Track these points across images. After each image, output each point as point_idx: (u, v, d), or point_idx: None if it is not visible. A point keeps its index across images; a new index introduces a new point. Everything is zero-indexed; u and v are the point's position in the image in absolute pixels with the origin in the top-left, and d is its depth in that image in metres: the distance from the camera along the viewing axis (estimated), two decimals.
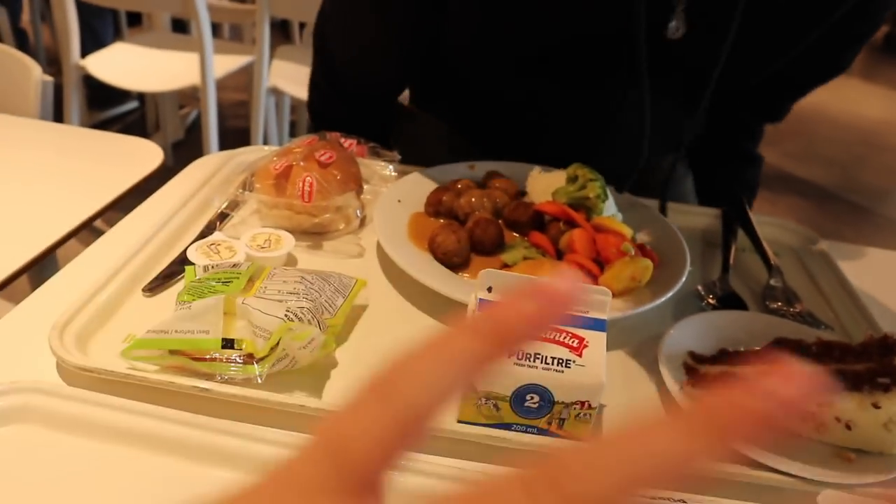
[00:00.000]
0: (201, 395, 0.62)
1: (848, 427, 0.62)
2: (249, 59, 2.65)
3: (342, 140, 0.98)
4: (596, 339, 0.61)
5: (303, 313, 0.65)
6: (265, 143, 2.85)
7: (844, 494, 0.50)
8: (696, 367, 0.71)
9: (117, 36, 3.48)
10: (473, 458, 0.61)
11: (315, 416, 0.62)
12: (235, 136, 3.11)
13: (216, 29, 3.38)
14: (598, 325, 0.62)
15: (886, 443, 0.62)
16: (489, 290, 0.63)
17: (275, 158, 0.88)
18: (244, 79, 3.00)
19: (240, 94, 3.60)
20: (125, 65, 2.58)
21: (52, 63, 3.76)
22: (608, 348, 0.75)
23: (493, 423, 0.63)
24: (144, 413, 0.60)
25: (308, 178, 0.84)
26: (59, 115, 2.69)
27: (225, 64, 2.60)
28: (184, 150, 3.18)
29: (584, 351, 0.61)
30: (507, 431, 0.62)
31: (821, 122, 4.41)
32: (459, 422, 0.63)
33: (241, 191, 0.88)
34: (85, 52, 2.56)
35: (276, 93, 2.65)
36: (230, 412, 0.62)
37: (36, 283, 1.03)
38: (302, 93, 2.78)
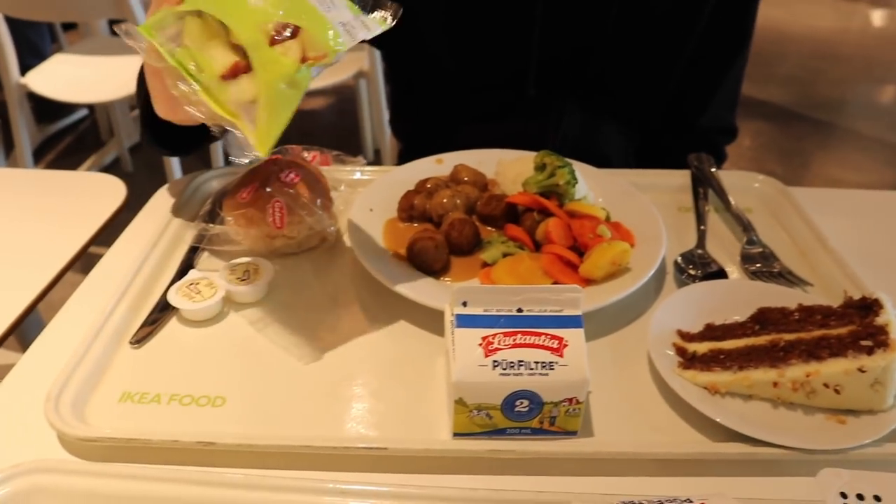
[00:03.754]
0: (206, 449, 0.63)
1: (837, 391, 0.64)
2: None
3: (304, 154, 0.96)
4: (574, 337, 0.62)
5: None
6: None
7: (843, 471, 0.52)
8: (685, 347, 0.72)
9: (54, 42, 3.38)
10: (475, 472, 0.63)
11: (321, 454, 0.63)
12: None
13: None
14: (574, 321, 0.63)
15: (875, 401, 0.64)
16: (464, 304, 0.63)
17: (239, 186, 0.87)
18: None
19: None
20: (68, 77, 2.51)
21: None
22: (598, 335, 0.77)
23: (488, 430, 0.64)
24: (155, 477, 0.60)
25: (277, 203, 0.83)
26: (7, 136, 2.63)
27: None
28: (142, 154, 3.12)
29: (565, 350, 0.62)
30: (503, 441, 0.64)
31: (775, 40, 4.42)
32: (455, 434, 0.64)
33: (209, 224, 0.87)
34: (24, 64, 2.48)
35: None
36: (237, 461, 0.63)
37: (23, 341, 1.02)
38: None
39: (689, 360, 0.71)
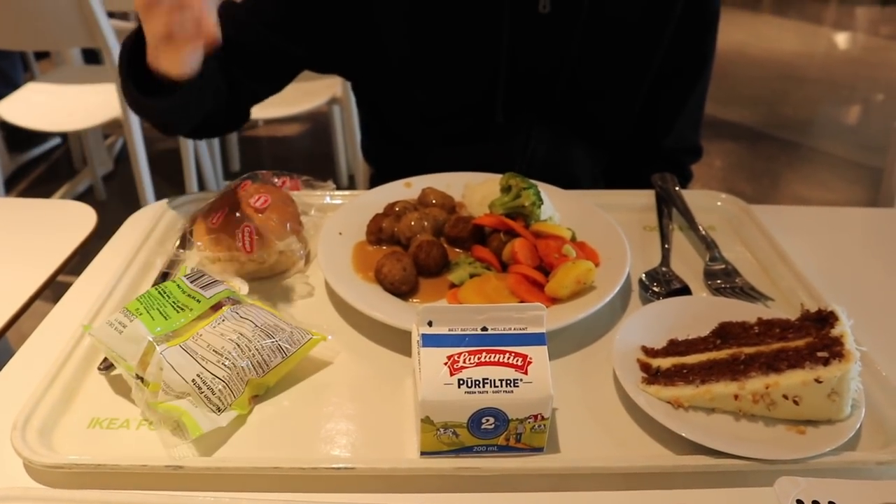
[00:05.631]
0: (176, 473, 0.63)
1: (796, 402, 0.66)
2: None
3: (274, 179, 0.97)
4: (538, 354, 0.64)
5: (213, 383, 0.67)
6: (197, 164, 2.80)
7: (799, 479, 0.53)
8: (648, 363, 0.73)
9: (27, 72, 3.37)
10: (443, 490, 0.64)
11: (290, 475, 0.63)
12: (166, 159, 3.05)
13: None
14: (538, 339, 0.64)
15: (833, 411, 0.66)
16: (430, 324, 0.64)
17: (209, 211, 0.87)
18: None
19: None
20: (40, 106, 2.50)
21: None
22: (564, 353, 0.79)
23: (455, 448, 0.65)
24: (123, 502, 0.60)
25: (247, 227, 0.84)
26: None
27: None
28: (115, 182, 3.11)
29: (529, 367, 0.63)
30: (469, 458, 0.65)
31: (741, 63, 4.52)
32: (423, 454, 0.65)
33: (180, 250, 0.87)
34: None
35: None
36: (207, 484, 0.63)
37: None
38: None
39: (653, 376, 0.72)
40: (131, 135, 2.44)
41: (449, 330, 0.64)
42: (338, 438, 0.68)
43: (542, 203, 0.89)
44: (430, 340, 0.64)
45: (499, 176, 0.95)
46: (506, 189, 0.91)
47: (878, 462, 0.63)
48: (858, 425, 0.66)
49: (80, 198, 3.09)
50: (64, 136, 3.34)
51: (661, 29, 1.09)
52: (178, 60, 0.81)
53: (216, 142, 3.04)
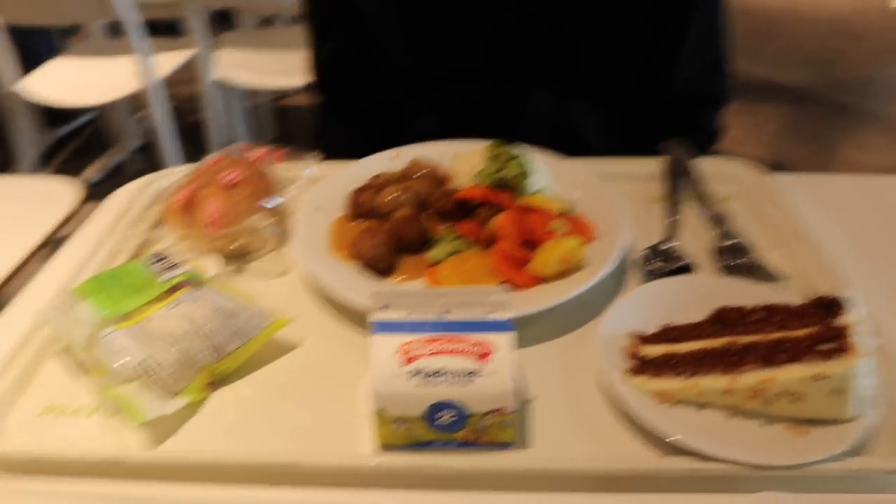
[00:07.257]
0: (118, 464, 0.60)
1: (794, 400, 0.58)
2: (193, 53, 2.56)
3: (253, 151, 0.92)
4: (502, 342, 0.58)
5: (161, 368, 0.63)
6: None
7: (782, 496, 0.46)
8: (637, 350, 0.66)
9: (51, 49, 3.38)
10: (404, 487, 0.59)
11: (233, 471, 0.59)
12: (197, 131, 3.04)
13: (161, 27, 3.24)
14: (502, 326, 0.58)
15: (836, 410, 0.58)
16: (386, 308, 0.59)
17: (179, 189, 0.83)
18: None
19: (197, 86, 3.52)
20: (64, 81, 2.50)
21: None
22: (548, 338, 0.72)
23: (412, 443, 0.59)
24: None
25: (213, 204, 0.79)
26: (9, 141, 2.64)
27: (169, 61, 2.52)
28: (147, 156, 3.11)
29: (491, 357, 0.57)
30: (425, 455, 0.59)
31: (793, 21, 4.29)
32: (382, 447, 0.60)
33: (154, 229, 0.83)
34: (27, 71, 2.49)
35: (225, 84, 2.58)
36: (153, 475, 0.60)
37: None
38: (252, 79, 2.70)
39: (641, 365, 0.65)
40: (156, 107, 2.44)
41: (406, 315, 0.59)
42: (294, 429, 0.64)
43: (530, 174, 0.82)
44: (382, 327, 0.58)
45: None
46: (493, 158, 0.84)
47: (886, 471, 0.55)
48: (869, 427, 0.58)
49: (114, 172, 3.11)
50: (98, 110, 3.36)
51: None
52: None
53: (240, 117, 3.01)
